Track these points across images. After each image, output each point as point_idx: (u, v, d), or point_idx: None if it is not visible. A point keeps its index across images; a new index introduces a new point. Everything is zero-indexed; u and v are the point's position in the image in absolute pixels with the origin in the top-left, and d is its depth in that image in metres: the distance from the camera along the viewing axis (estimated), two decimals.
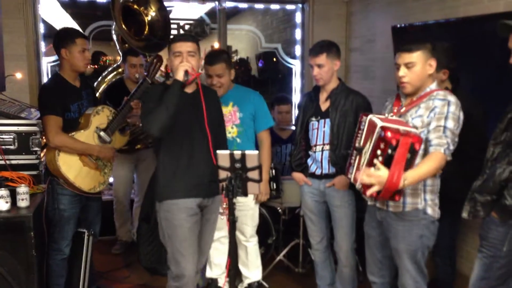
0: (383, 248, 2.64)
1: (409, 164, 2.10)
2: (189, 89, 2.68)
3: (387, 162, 2.09)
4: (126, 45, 3.97)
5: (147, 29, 3.49)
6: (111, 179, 3.95)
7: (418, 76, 2.36)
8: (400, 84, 2.41)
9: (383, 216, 2.54)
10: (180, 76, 2.53)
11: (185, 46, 2.60)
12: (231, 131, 3.16)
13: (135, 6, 3.43)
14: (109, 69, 4.36)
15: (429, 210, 2.42)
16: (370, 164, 2.18)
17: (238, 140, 3.17)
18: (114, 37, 4.18)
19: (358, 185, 2.27)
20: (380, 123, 2.18)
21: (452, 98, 2.30)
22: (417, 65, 2.33)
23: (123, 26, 3.37)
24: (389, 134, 2.07)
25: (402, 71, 2.36)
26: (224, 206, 2.28)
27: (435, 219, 2.45)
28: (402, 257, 2.48)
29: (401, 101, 2.52)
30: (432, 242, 2.49)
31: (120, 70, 4.22)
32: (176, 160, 2.66)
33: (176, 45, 2.62)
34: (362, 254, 3.38)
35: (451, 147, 2.24)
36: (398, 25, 3.82)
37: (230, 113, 3.17)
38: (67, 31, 3.08)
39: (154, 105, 2.53)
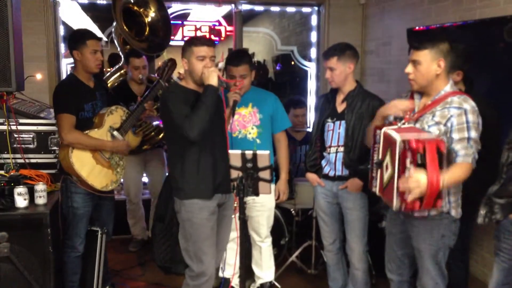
0: (403, 245, 2.63)
1: (440, 166, 2.10)
2: None
3: (420, 168, 2.09)
4: (128, 46, 3.99)
5: (147, 30, 3.52)
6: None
7: (423, 75, 2.33)
8: (408, 80, 2.42)
9: (407, 215, 2.52)
10: (215, 81, 2.56)
11: (210, 51, 2.63)
12: (251, 132, 3.19)
13: (135, 8, 3.47)
14: (112, 70, 4.37)
15: (453, 212, 2.42)
16: (403, 174, 2.15)
17: (258, 141, 3.19)
18: (115, 39, 4.21)
19: (395, 206, 2.21)
20: (398, 137, 2.17)
21: (467, 106, 2.27)
22: (422, 64, 2.31)
23: (125, 27, 3.41)
24: (413, 144, 2.07)
25: (409, 68, 2.37)
26: (235, 205, 2.31)
27: (456, 219, 2.45)
28: (424, 257, 2.48)
29: (415, 100, 2.49)
30: (453, 241, 2.48)
31: (122, 71, 4.23)
32: (199, 161, 2.67)
33: (200, 49, 2.62)
34: (375, 257, 3.39)
35: (476, 156, 2.26)
36: (414, 28, 3.81)
37: (250, 114, 3.20)
38: (78, 33, 3.13)
39: (186, 109, 2.55)
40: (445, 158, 2.17)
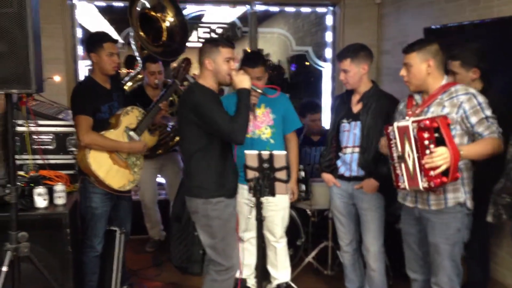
0: (423, 244, 2.63)
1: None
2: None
3: (439, 144, 2.20)
4: (145, 51, 4.03)
5: (165, 35, 3.54)
6: None
7: (415, 76, 2.47)
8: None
9: (421, 211, 2.55)
10: (249, 85, 2.64)
11: (234, 53, 2.72)
12: (265, 132, 3.20)
13: (153, 13, 3.49)
14: (130, 76, 4.42)
15: (468, 203, 2.46)
16: (424, 155, 2.26)
17: (272, 141, 3.20)
18: (133, 43, 4.23)
19: (422, 186, 2.29)
20: (410, 120, 2.31)
21: (472, 90, 2.41)
22: (413, 66, 2.46)
23: (142, 33, 3.44)
24: (427, 122, 2.19)
25: (402, 71, 2.52)
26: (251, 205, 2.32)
27: (470, 212, 2.48)
28: (440, 252, 2.49)
29: (415, 100, 2.58)
30: (467, 235, 2.51)
31: (140, 76, 4.28)
32: (222, 161, 2.74)
33: (229, 51, 2.69)
34: (392, 258, 3.36)
35: (500, 130, 2.35)
36: (431, 27, 3.77)
37: (264, 114, 3.20)
38: (96, 36, 3.17)
39: (226, 113, 2.62)
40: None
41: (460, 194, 2.44)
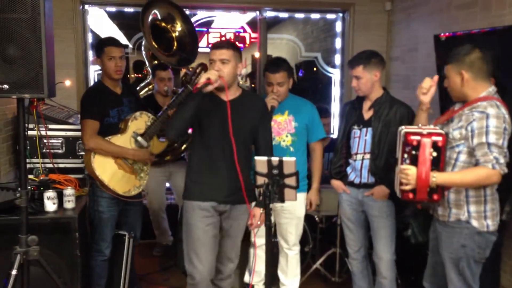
0: (435, 254, 2.63)
1: (437, 162, 2.27)
2: (229, 96, 2.68)
3: (414, 162, 2.28)
4: (156, 61, 4.06)
5: (175, 45, 3.57)
6: None
7: (453, 88, 2.46)
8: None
9: (435, 220, 2.57)
10: (200, 82, 2.53)
11: (218, 54, 2.62)
12: (286, 140, 3.20)
13: (163, 24, 3.52)
14: (141, 84, 4.45)
15: (474, 222, 2.38)
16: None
17: (291, 148, 3.21)
18: (144, 54, 4.26)
19: (398, 194, 2.40)
20: (403, 130, 2.37)
21: (492, 111, 2.26)
22: (451, 77, 2.44)
23: (154, 43, 3.46)
24: (411, 137, 2.27)
25: (446, 82, 2.50)
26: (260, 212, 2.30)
27: (482, 231, 2.38)
28: (446, 265, 2.47)
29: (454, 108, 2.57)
30: (478, 254, 2.42)
31: (151, 86, 4.32)
32: (201, 163, 2.73)
33: (211, 53, 2.66)
34: (400, 266, 3.34)
35: (502, 161, 2.22)
36: (441, 34, 3.76)
37: (286, 121, 3.21)
38: (100, 41, 3.20)
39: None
40: (444, 154, 2.31)
41: (461, 212, 2.40)
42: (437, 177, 2.25)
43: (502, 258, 3.35)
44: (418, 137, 2.26)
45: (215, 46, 2.68)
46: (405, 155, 2.30)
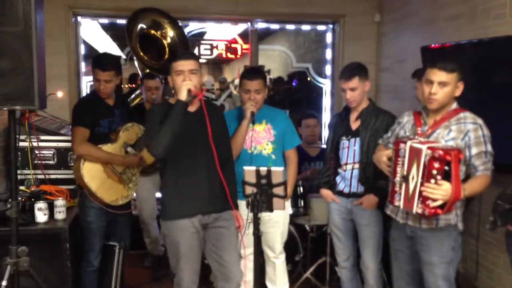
0: (411, 261, 2.65)
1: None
2: (192, 108, 2.66)
3: (446, 178, 2.23)
4: (148, 70, 4.07)
5: (167, 52, 3.55)
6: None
7: (448, 97, 2.44)
8: (428, 99, 2.46)
9: (414, 230, 2.56)
10: (183, 95, 2.49)
11: (187, 65, 2.58)
12: (267, 148, 3.23)
13: (152, 32, 3.50)
14: (132, 96, 4.46)
15: (460, 225, 2.50)
16: (428, 183, 2.28)
17: (273, 156, 3.23)
18: (136, 64, 4.27)
19: (415, 211, 2.33)
20: (424, 146, 2.29)
21: (480, 121, 2.43)
22: (449, 86, 2.41)
23: (142, 54, 3.44)
24: (441, 152, 2.21)
25: (435, 88, 2.41)
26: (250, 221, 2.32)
27: (461, 232, 2.53)
28: (435, 271, 2.50)
29: (423, 119, 2.57)
30: (460, 254, 2.55)
31: (141, 96, 4.32)
32: (177, 179, 2.66)
33: (177, 64, 2.59)
34: (389, 274, 3.36)
35: (493, 167, 2.42)
36: (428, 45, 3.82)
37: (265, 130, 3.24)
38: (93, 58, 3.19)
39: (156, 125, 2.51)
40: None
41: (451, 217, 2.47)
42: (466, 189, 2.29)
43: (491, 268, 3.38)
44: (449, 153, 2.22)
45: (182, 57, 2.63)
46: (434, 171, 2.24)
